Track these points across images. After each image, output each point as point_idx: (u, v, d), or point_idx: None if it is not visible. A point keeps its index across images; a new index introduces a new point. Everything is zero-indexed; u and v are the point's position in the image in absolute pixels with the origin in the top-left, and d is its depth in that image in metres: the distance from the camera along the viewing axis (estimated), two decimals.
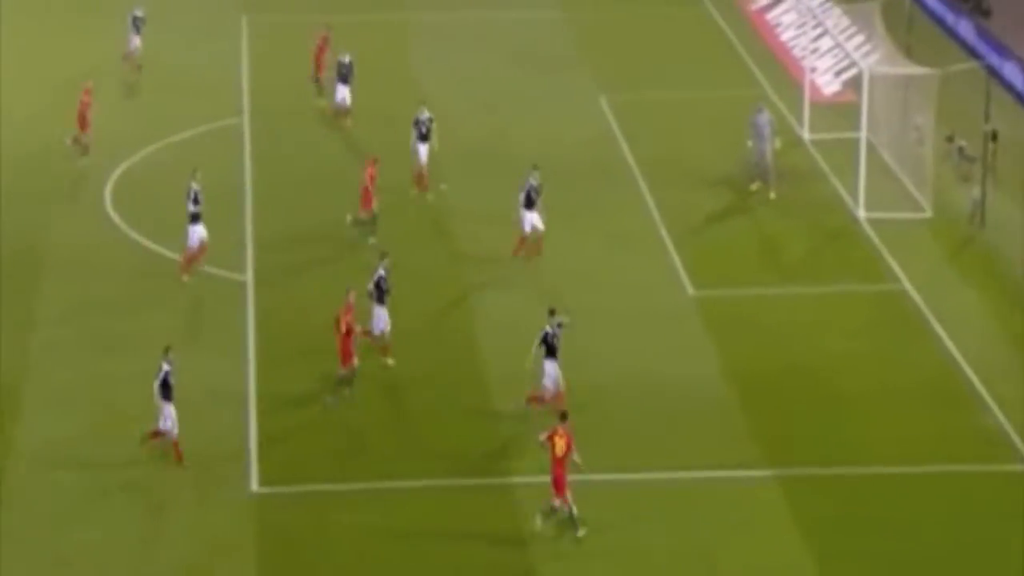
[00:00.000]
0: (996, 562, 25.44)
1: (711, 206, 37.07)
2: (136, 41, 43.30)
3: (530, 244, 34.06)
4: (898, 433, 28.49)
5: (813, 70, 42.26)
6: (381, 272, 30.49)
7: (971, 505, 26.68)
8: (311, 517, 26.60)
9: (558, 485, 25.77)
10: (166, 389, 27.47)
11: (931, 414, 29.05)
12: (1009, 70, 42.15)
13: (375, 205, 35.01)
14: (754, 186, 37.39)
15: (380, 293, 30.28)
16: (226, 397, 29.76)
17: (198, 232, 33.33)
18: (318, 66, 42.15)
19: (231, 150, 39.74)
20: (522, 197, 33.91)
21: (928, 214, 36.30)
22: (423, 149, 36.85)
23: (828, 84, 42.99)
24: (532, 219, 33.79)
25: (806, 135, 39.91)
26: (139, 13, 43.72)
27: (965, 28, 45.22)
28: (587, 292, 33.18)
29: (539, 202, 33.85)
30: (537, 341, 28.61)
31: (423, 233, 35.84)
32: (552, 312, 29.09)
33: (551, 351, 28.63)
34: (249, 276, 33.88)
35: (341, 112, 40.57)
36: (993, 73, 38.23)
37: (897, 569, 25.38)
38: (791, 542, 25.82)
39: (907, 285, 33.49)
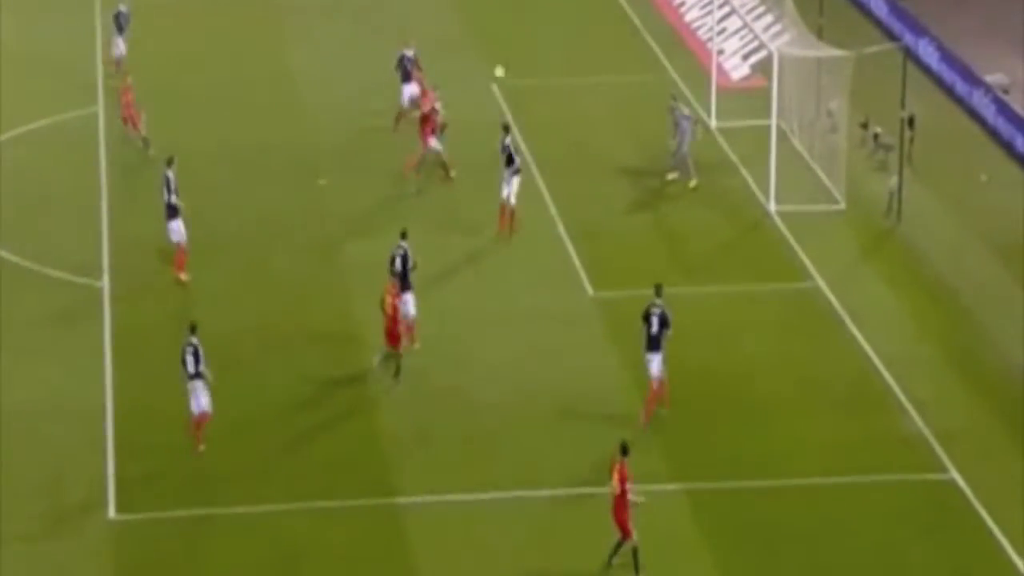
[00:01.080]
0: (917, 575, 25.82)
1: (612, 200, 37.16)
2: (121, 43, 41.70)
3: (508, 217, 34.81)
4: (813, 441, 28.69)
5: (720, 53, 42.57)
6: (404, 249, 30.80)
7: (890, 516, 26.86)
8: (176, 546, 26.28)
9: (619, 524, 25.11)
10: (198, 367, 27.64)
11: (847, 420, 29.26)
12: (923, 48, 42.84)
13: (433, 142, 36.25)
14: (671, 175, 37.51)
15: (405, 275, 30.72)
16: (80, 415, 29.38)
17: (180, 226, 33.17)
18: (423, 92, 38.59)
19: (84, 143, 39.12)
20: (502, 158, 34.83)
21: (842, 206, 36.61)
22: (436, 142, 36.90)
23: (736, 68, 43.34)
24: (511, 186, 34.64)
25: (713, 123, 40.19)
26: (123, 8, 42.00)
27: (877, 5, 45.91)
28: (477, 292, 33.15)
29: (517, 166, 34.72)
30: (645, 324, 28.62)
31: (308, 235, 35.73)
32: (659, 290, 29.16)
33: (654, 342, 28.56)
34: (105, 282, 33.53)
35: (408, 113, 38.86)
36: (910, 54, 38.73)
37: None
38: (701, 560, 25.89)
39: (820, 282, 33.76)
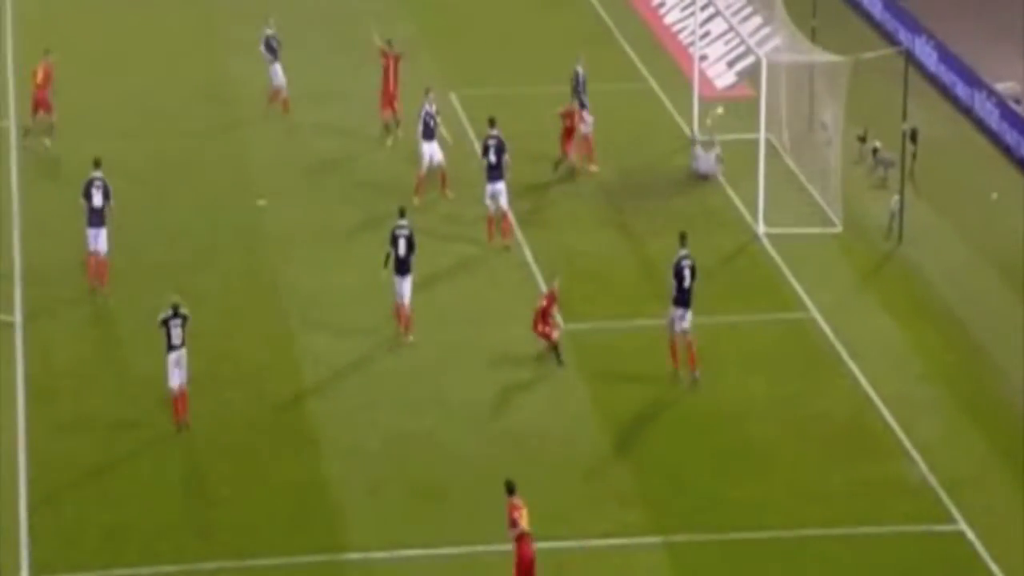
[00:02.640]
0: None
1: (583, 221, 37.29)
2: (279, 71, 40.34)
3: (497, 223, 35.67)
4: (806, 489, 28.79)
5: (703, 59, 42.88)
6: (408, 230, 31.65)
7: (892, 571, 26.94)
8: None
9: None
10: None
11: (844, 466, 29.37)
12: (921, 48, 43.27)
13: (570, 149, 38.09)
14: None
15: (408, 258, 31.77)
16: None
17: (101, 236, 33.37)
18: (389, 98, 39.25)
19: None
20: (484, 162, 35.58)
21: (838, 228, 36.85)
22: (428, 149, 37.20)
23: (720, 75, 43.66)
24: (494, 190, 35.40)
25: (696, 135, 40.50)
26: (271, 31, 40.59)
27: (872, 3, 46.37)
28: (434, 324, 33.25)
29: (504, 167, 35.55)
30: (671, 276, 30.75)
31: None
32: (684, 239, 31.06)
33: (686, 296, 30.65)
34: (17, 316, 33.51)
35: (584, 155, 38.59)
36: (912, 59, 39.10)
37: None
38: None
39: (815, 313, 33.95)
